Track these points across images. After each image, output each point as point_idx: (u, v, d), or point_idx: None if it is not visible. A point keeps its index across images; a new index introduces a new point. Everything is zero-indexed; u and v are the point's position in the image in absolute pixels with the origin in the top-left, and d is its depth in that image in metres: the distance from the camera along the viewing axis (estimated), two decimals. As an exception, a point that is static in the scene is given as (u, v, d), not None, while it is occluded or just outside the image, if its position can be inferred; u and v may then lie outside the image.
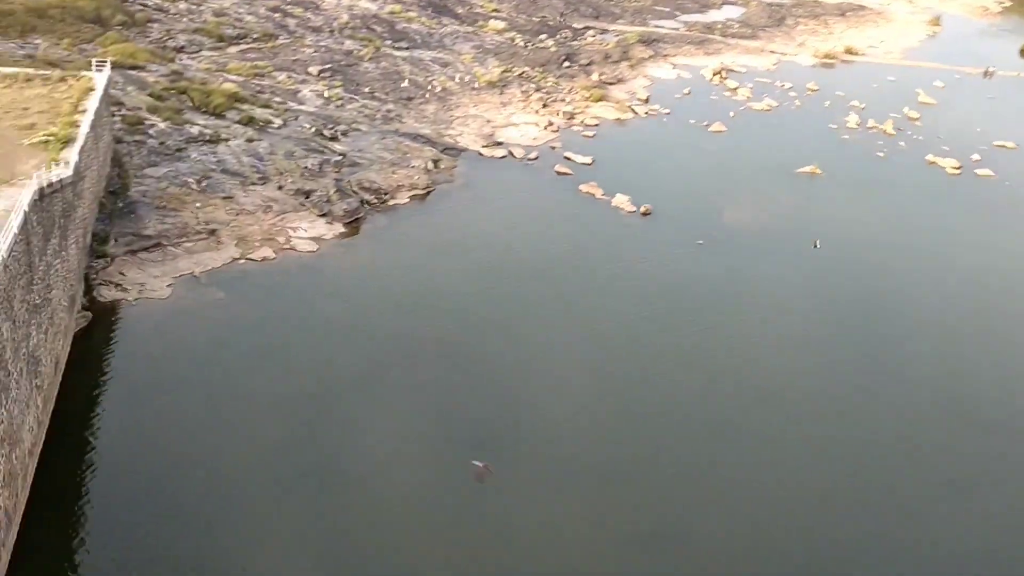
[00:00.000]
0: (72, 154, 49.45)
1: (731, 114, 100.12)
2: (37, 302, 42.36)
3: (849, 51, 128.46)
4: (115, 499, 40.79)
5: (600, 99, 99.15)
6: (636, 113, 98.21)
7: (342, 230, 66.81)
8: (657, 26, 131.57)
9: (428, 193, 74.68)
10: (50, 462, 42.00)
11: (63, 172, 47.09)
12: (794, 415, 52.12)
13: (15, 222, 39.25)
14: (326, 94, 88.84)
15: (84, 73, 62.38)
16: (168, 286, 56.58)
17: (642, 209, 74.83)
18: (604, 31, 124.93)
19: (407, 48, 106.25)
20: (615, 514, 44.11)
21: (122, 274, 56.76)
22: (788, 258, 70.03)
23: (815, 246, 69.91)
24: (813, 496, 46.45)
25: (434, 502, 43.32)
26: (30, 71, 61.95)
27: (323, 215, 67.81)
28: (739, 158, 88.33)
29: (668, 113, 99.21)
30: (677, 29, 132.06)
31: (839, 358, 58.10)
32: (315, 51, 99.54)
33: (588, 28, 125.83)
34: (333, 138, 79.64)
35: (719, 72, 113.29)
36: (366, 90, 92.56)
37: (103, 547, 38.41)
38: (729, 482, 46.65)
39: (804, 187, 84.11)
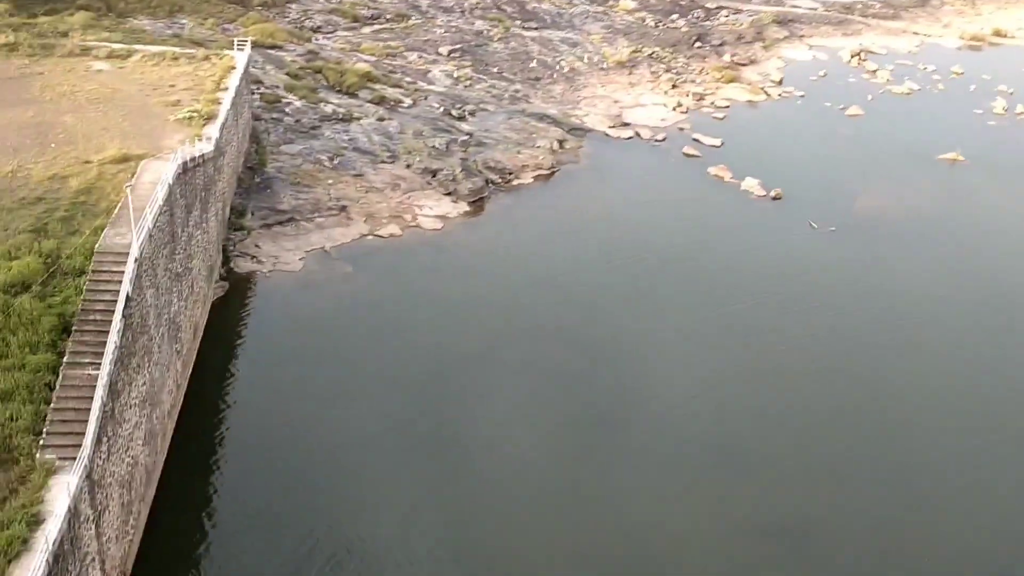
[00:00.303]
0: (214, 130, 51.54)
1: (869, 97, 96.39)
2: (179, 271, 44.43)
3: (998, 33, 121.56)
4: (245, 460, 42.59)
5: (732, 80, 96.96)
6: (769, 95, 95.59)
7: (466, 209, 67.56)
8: (793, 6, 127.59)
9: (553, 173, 74.70)
10: (187, 423, 44.15)
11: (205, 147, 49.14)
12: (926, 410, 50.21)
13: (160, 194, 41.24)
14: (455, 74, 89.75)
15: (226, 52, 64.84)
16: (300, 259, 58.46)
17: (772, 193, 73.05)
18: (738, 11, 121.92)
19: (536, 28, 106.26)
20: (727, 501, 43.50)
21: (258, 246, 58.93)
22: (924, 246, 67.20)
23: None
24: (948, 495, 44.74)
25: (548, 477, 43.72)
26: (176, 50, 64.70)
27: (448, 194, 68.71)
28: (877, 143, 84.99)
29: (802, 96, 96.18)
30: (815, 9, 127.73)
31: (979, 353, 55.55)
32: (446, 31, 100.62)
33: (721, 8, 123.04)
34: (461, 118, 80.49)
35: (857, 54, 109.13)
36: (494, 70, 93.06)
37: (234, 503, 40.21)
38: (851, 478, 45.34)
39: (945, 174, 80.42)
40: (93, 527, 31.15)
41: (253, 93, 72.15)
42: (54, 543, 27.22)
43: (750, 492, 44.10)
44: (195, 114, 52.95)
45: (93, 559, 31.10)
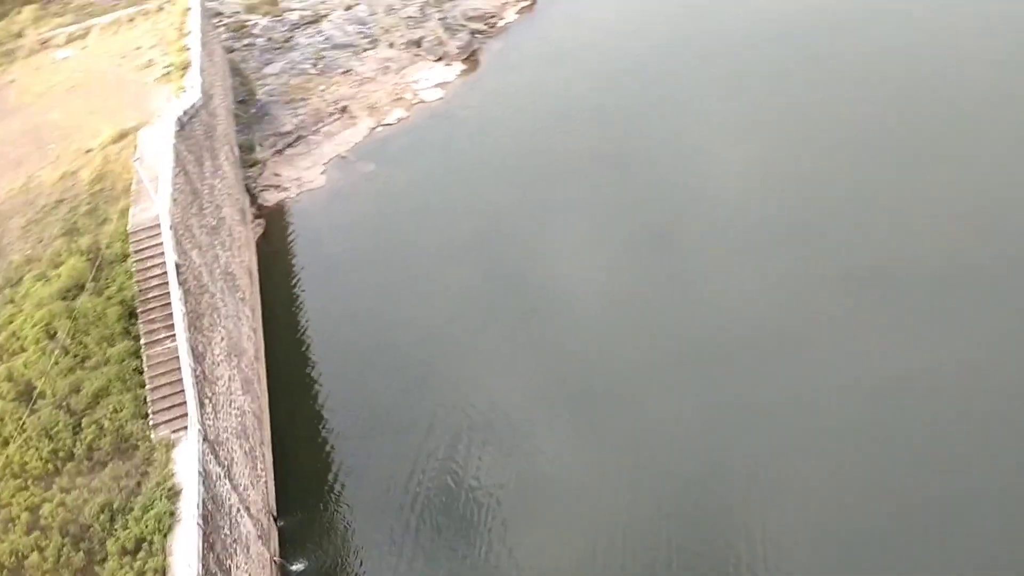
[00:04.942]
0: (194, 77, 50.82)
1: None
2: (213, 224, 44.81)
3: None
4: (343, 375, 43.64)
5: None
6: None
7: (462, 67, 66.25)
8: None
9: (534, 2, 72.43)
10: (274, 361, 45.34)
11: (192, 97, 48.62)
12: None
13: (167, 157, 41.23)
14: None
15: (176, -4, 63.17)
16: (321, 173, 58.32)
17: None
18: None
19: None
20: (801, 258, 43.87)
21: (277, 175, 58.88)
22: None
23: None
24: None
25: (617, 292, 44.65)
26: (129, 11, 63.14)
27: (439, 59, 67.30)
28: None
29: None
30: None
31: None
32: None
33: None
34: (426, -22, 77.91)
35: None
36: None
37: (347, 417, 41.37)
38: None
39: None
40: (227, 481, 32.65)
41: (217, 27, 70.59)
42: (198, 506, 28.69)
43: (822, 246, 44.40)
44: (170, 68, 52.15)
45: (238, 509, 32.74)
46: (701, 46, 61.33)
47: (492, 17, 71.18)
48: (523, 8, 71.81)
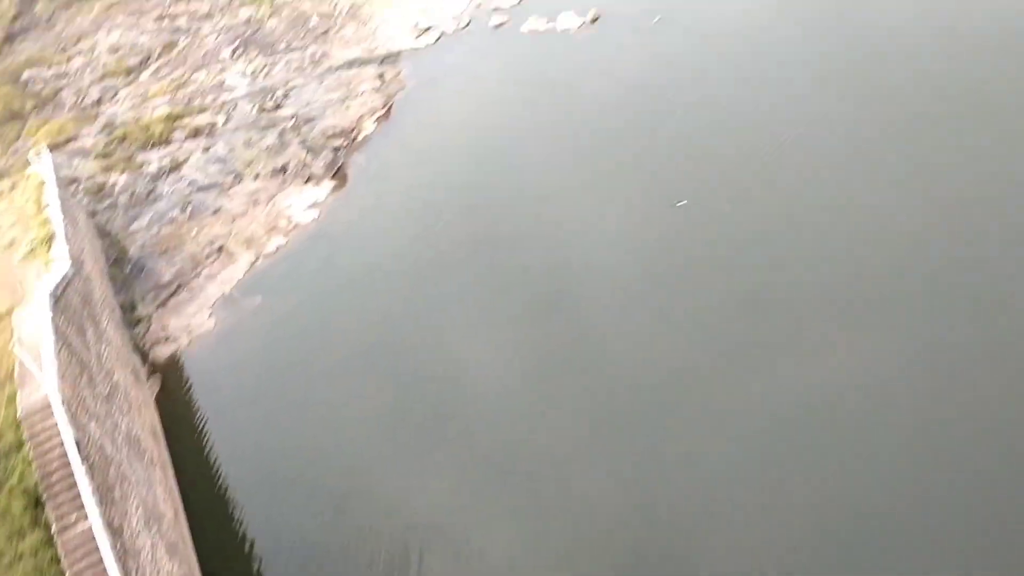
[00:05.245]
0: (61, 248, 49.82)
1: None
2: (107, 392, 43.51)
3: None
4: (263, 519, 42.44)
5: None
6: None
7: (332, 184, 66.70)
8: None
9: (388, 110, 73.75)
10: (198, 516, 43.84)
11: (62, 268, 47.58)
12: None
13: (47, 333, 40.04)
14: (248, 70, 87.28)
15: (29, 171, 62.23)
16: (209, 317, 57.39)
17: (589, 17, 73.29)
18: None
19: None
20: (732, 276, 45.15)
21: (165, 327, 57.70)
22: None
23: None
24: None
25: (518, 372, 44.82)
26: (-19, 195, 61.93)
27: (307, 181, 67.67)
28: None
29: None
30: None
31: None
32: (217, 36, 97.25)
33: None
34: (278, 107, 78.62)
35: None
36: (282, 47, 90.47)
37: (282, 560, 40.20)
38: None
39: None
40: (169, 654, 31.24)
41: (75, 193, 69.59)
42: None
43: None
44: (35, 243, 51.08)
45: None
46: (558, 125, 63.25)
47: (352, 131, 72.12)
48: (379, 117, 73.00)
